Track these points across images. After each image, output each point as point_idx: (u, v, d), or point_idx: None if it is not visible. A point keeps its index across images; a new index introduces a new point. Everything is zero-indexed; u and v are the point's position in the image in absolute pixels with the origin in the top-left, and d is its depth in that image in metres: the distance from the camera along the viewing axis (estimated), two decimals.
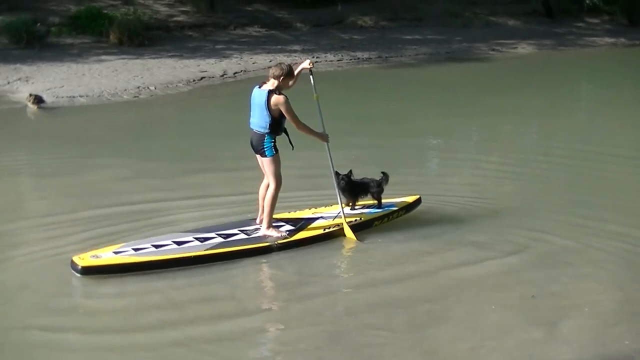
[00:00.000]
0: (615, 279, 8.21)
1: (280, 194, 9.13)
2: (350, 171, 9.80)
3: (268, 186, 9.18)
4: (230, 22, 29.47)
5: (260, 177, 9.38)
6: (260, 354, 6.81)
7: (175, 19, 28.74)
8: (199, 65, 23.08)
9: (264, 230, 9.14)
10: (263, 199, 9.23)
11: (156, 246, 8.54)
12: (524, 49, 30.50)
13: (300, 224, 9.44)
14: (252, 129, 9.05)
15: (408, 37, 30.45)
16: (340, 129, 13.60)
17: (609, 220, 9.99)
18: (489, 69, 25.90)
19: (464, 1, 35.09)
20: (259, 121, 8.94)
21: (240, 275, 8.32)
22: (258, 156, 9.15)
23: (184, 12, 29.35)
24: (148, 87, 20.17)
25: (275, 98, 8.77)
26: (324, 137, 9.39)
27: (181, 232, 9.16)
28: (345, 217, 9.45)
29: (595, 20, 36.27)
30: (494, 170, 12.57)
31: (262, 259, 8.68)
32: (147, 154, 13.60)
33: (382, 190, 10.00)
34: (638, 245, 9.15)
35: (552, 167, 13.01)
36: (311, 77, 9.55)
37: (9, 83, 19.75)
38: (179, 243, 8.67)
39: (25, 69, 20.93)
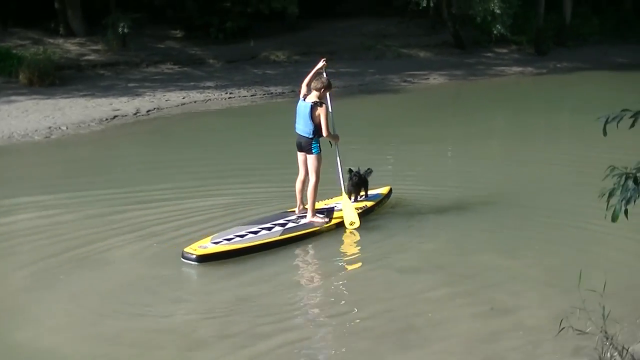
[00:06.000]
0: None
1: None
2: (365, 170, 11.99)
3: (304, 181, 11.03)
4: (143, 59, 29.22)
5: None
6: None
7: (86, 57, 28.40)
8: (111, 104, 22.78)
9: (309, 218, 10.85)
10: (300, 192, 11.11)
11: (240, 236, 10.15)
12: (436, 79, 30.90)
13: (327, 212, 11.25)
14: (299, 134, 10.80)
15: None
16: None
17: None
18: (401, 100, 26.17)
19: (376, 34, 35.48)
20: (304, 128, 10.70)
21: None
22: (301, 154, 10.92)
23: (95, 51, 29.04)
24: (60, 127, 19.82)
25: (318, 110, 10.55)
26: (337, 138, 11.06)
27: (244, 225, 10.70)
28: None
29: (504, 50, 36.98)
30: (404, 197, 12.69)
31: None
32: (64, 192, 13.37)
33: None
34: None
35: (467, 190, 13.26)
36: (324, 74, 11.15)
37: None
38: (254, 232, 10.29)
39: None
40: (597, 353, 6.21)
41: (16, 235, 10.90)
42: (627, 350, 6.02)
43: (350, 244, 10.84)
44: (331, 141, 10.95)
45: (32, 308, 8.52)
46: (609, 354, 6.10)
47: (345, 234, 10.94)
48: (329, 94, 11.03)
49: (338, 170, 11.36)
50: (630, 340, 6.65)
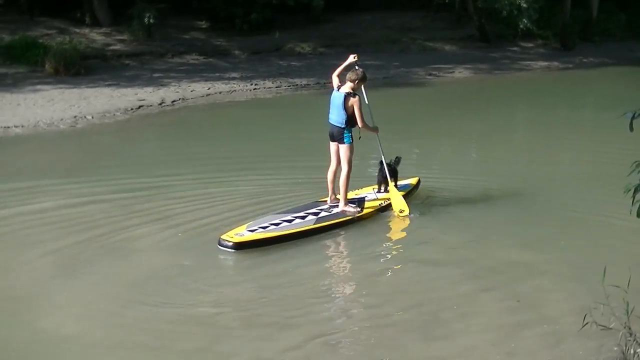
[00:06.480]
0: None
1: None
2: (394, 158, 12.04)
3: (335, 171, 11.20)
4: (168, 50, 29.34)
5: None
6: None
7: (112, 47, 28.55)
8: (136, 94, 22.89)
9: (341, 207, 11.01)
10: (332, 182, 11.25)
11: (275, 224, 10.34)
12: (461, 73, 30.76)
13: (358, 201, 11.39)
14: (331, 124, 10.95)
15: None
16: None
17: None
18: (426, 93, 26.04)
19: (400, 27, 35.41)
20: (337, 118, 10.85)
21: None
22: (334, 144, 11.09)
23: (120, 41, 29.17)
24: (85, 117, 19.94)
25: (351, 100, 10.66)
26: (376, 130, 11.29)
27: (278, 213, 10.86)
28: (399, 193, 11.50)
29: (530, 45, 36.76)
30: (430, 189, 12.71)
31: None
32: (88, 180, 13.41)
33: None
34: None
35: (491, 184, 13.25)
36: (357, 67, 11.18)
37: None
38: (288, 221, 10.47)
39: None
40: (620, 349, 6.20)
41: (40, 223, 10.95)
42: None
43: (378, 236, 10.85)
44: (361, 131, 11.00)
45: (56, 295, 8.58)
46: (632, 350, 6.08)
47: (373, 226, 11.00)
48: (363, 87, 11.15)
49: (382, 161, 11.71)
50: None
